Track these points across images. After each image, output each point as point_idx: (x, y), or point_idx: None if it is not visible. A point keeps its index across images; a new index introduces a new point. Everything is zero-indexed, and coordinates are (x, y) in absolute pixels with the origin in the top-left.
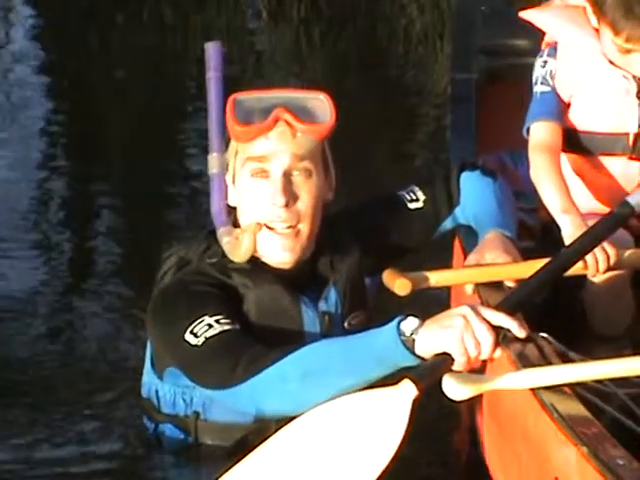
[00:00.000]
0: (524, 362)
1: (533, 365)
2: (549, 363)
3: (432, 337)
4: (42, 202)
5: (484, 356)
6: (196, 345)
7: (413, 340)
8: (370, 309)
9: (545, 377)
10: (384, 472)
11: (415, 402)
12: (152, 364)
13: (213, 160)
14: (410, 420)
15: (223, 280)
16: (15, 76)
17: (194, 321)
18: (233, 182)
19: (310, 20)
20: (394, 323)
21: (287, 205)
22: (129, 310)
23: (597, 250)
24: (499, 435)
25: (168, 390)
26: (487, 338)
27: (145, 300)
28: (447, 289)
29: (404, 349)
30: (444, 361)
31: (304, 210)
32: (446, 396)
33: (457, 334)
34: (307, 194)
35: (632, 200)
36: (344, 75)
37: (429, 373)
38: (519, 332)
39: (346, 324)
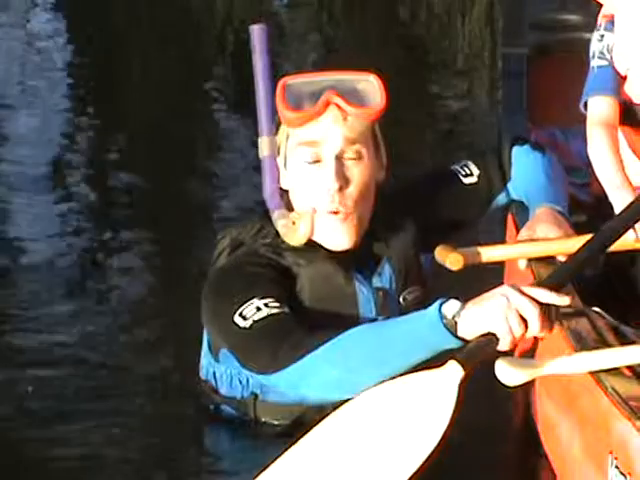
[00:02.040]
0: (576, 337)
1: (585, 341)
2: (602, 338)
3: (475, 318)
4: (93, 182)
5: (531, 333)
6: (244, 328)
7: (455, 322)
8: (426, 285)
9: (602, 360)
10: (432, 453)
11: (462, 383)
12: (209, 346)
13: (263, 143)
14: (457, 401)
15: (276, 260)
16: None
17: (243, 303)
18: (285, 165)
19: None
20: (435, 306)
21: (340, 189)
22: (183, 292)
23: None
24: (554, 412)
25: (225, 371)
26: (531, 314)
27: (199, 282)
28: (501, 266)
29: (447, 332)
30: (489, 341)
31: (357, 193)
32: (500, 382)
33: (500, 313)
34: (359, 177)
35: None
36: (375, 52)
37: (474, 354)
38: (562, 302)
39: (401, 299)
